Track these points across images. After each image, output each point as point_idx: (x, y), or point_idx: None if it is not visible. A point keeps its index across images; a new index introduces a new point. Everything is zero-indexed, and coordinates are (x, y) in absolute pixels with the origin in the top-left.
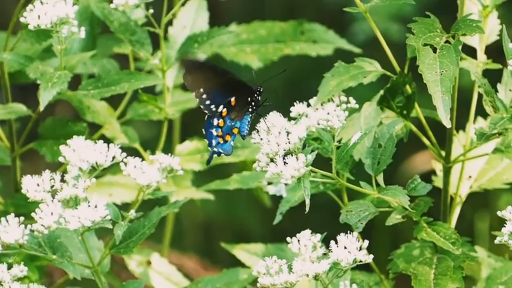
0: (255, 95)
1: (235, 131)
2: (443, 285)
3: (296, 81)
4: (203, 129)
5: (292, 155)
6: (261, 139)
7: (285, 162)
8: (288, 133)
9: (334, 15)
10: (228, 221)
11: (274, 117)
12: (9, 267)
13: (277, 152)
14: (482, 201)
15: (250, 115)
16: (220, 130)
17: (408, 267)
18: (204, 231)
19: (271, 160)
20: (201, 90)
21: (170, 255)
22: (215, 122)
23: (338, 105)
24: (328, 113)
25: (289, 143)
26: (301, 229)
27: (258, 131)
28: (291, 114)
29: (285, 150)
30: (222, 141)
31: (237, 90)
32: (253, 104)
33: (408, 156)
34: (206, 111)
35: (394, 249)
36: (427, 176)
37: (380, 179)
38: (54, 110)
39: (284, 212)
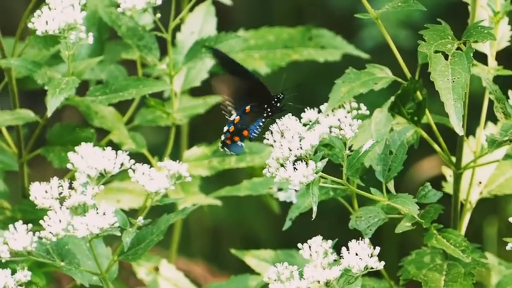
0: (274, 101)
1: (245, 133)
2: None
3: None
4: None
5: (302, 161)
6: (274, 141)
7: (294, 168)
8: (300, 139)
9: (342, 21)
10: (236, 226)
11: (289, 121)
12: (14, 273)
13: (287, 157)
14: (490, 206)
15: (264, 120)
16: (232, 126)
17: (418, 274)
18: (212, 237)
19: (281, 165)
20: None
21: (177, 261)
22: (232, 117)
23: (348, 112)
24: (339, 120)
25: (301, 148)
26: (309, 235)
27: (271, 133)
28: (302, 121)
29: (296, 156)
30: (229, 142)
31: (258, 93)
32: (269, 110)
33: (416, 161)
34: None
35: (401, 256)
36: (435, 181)
37: (391, 185)
38: (62, 116)
39: (294, 218)
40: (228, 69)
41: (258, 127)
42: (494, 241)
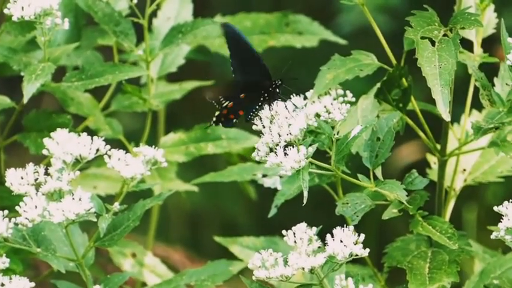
0: (272, 87)
1: (241, 112)
2: (437, 279)
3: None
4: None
5: (292, 147)
6: (263, 127)
7: (285, 153)
8: (289, 124)
9: (319, 6)
10: (214, 212)
11: (278, 106)
12: None
13: (278, 142)
14: (469, 193)
15: (260, 104)
16: (225, 110)
17: (403, 261)
18: (190, 224)
19: (271, 150)
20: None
21: (155, 248)
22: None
23: (334, 99)
24: (325, 107)
25: (290, 134)
26: (288, 221)
27: (260, 119)
28: (288, 107)
29: (286, 141)
30: (224, 119)
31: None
32: (266, 95)
33: (395, 147)
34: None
35: (380, 243)
36: (414, 167)
37: (378, 172)
38: (41, 103)
39: (279, 205)
40: (233, 47)
41: (254, 110)
42: (474, 227)
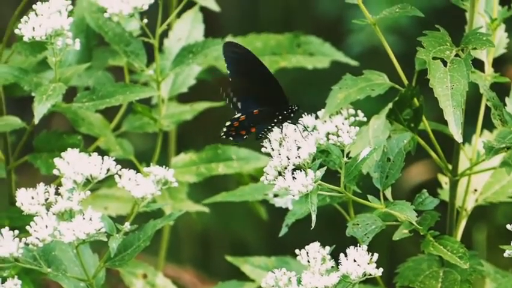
0: (287, 111)
1: (253, 130)
2: None
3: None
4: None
5: (300, 170)
6: (272, 149)
7: (293, 177)
8: (298, 147)
9: (329, 26)
10: (225, 233)
11: (288, 129)
12: (3, 280)
13: (286, 166)
14: (479, 213)
15: (273, 124)
16: (237, 122)
17: (415, 281)
18: (201, 244)
19: (279, 173)
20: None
21: (166, 268)
22: (238, 114)
23: (346, 118)
24: (336, 126)
25: (299, 157)
26: (298, 241)
27: (269, 141)
28: (299, 127)
29: (294, 165)
30: (234, 133)
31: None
32: (280, 117)
33: (405, 167)
34: (232, 107)
35: (391, 263)
36: (423, 187)
37: (388, 193)
38: (51, 123)
39: (290, 224)
40: (240, 67)
41: (266, 129)
42: (484, 247)
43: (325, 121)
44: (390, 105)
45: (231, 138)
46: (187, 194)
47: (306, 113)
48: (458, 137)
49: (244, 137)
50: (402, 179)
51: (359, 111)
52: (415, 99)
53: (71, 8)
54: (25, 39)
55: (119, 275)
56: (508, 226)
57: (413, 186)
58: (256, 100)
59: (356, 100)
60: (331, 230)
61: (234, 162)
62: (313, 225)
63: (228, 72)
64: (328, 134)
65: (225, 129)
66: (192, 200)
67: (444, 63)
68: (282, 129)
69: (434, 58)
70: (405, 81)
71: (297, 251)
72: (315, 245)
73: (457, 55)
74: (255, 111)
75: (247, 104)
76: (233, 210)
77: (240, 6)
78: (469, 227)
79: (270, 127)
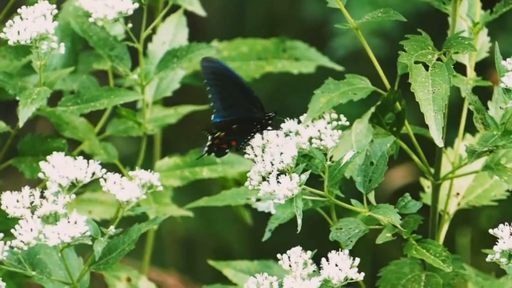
0: (265, 119)
1: (233, 143)
2: None
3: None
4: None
5: (285, 174)
6: (255, 155)
7: (278, 182)
8: (281, 153)
9: (313, 30)
10: (209, 237)
11: (269, 135)
12: None
13: (270, 171)
14: (463, 216)
15: (253, 134)
16: (217, 140)
17: (397, 285)
18: (185, 248)
19: (263, 178)
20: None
21: (150, 272)
22: (217, 133)
23: (328, 123)
24: (319, 131)
25: (282, 162)
26: (281, 245)
27: (252, 148)
28: (282, 131)
29: (278, 170)
30: (216, 149)
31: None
32: (259, 126)
33: (387, 170)
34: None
35: (374, 266)
36: (405, 191)
37: (371, 196)
38: (36, 127)
39: (273, 229)
40: (218, 79)
41: (246, 140)
42: (467, 251)
43: (307, 125)
44: (372, 109)
45: (213, 154)
46: (171, 198)
47: (288, 118)
48: (439, 142)
49: (226, 151)
50: (385, 183)
51: (342, 116)
52: (397, 103)
53: (56, 12)
54: (10, 43)
55: (103, 278)
56: (491, 231)
57: (395, 190)
58: (235, 109)
59: (338, 104)
60: (315, 234)
61: (218, 166)
62: (299, 229)
63: (210, 87)
64: (311, 138)
65: (206, 148)
66: (177, 204)
67: (426, 68)
68: (263, 135)
69: (416, 62)
70: (388, 86)
71: (279, 256)
72: (297, 249)
73: (439, 59)
74: (233, 126)
75: (227, 112)
76: (217, 215)
77: (225, 10)
78: (453, 231)
79: (250, 137)
